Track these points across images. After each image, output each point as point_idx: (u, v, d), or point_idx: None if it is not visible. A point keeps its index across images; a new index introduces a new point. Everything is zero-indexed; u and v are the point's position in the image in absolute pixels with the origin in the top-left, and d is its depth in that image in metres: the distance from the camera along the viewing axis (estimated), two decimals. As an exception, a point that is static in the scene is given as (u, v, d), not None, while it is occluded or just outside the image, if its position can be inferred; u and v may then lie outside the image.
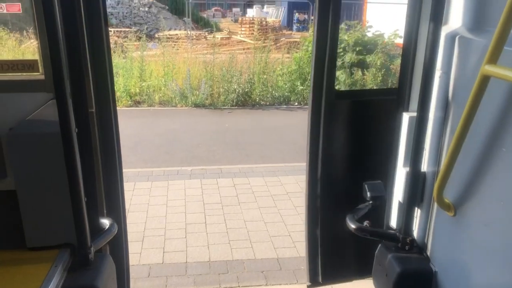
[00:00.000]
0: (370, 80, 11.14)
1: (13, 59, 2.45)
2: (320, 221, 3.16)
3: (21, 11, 2.80)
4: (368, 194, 2.79)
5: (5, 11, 2.85)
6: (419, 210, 2.52)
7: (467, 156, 1.97)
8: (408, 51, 2.55)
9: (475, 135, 1.90)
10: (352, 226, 2.65)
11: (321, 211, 3.14)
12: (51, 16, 1.89)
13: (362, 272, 3.20)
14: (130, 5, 24.84)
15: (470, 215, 2.03)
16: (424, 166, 2.44)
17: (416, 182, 2.45)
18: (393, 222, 2.77)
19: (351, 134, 3.06)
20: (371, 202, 2.79)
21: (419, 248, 2.54)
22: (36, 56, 2.46)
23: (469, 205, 2.02)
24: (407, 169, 2.49)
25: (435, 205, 2.30)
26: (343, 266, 3.32)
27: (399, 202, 2.67)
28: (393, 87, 10.72)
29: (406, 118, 2.57)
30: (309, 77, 11.34)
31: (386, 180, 2.75)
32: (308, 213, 3.20)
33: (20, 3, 2.80)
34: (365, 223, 2.79)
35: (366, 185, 2.82)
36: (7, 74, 2.45)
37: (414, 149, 2.41)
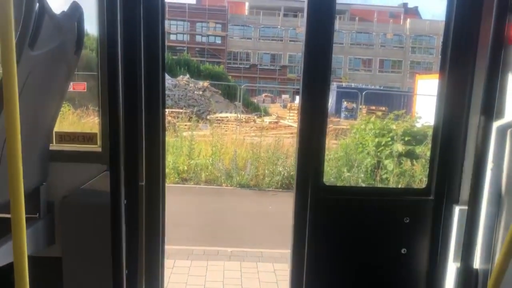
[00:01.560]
0: (419, 171, 10.93)
1: (75, 131, 2.63)
2: None
3: (85, 90, 3.04)
4: None
5: (71, 89, 3.11)
6: (472, 311, 2.34)
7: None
8: (457, 142, 2.51)
9: (532, 232, 1.80)
10: None
11: None
12: (115, 95, 2.04)
13: None
14: (185, 88, 26.30)
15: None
16: (476, 263, 2.31)
17: (468, 279, 2.30)
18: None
19: (340, 236, 2.65)
20: None
21: None
22: (96, 130, 2.63)
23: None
24: (458, 264, 2.35)
25: (490, 306, 2.13)
26: None
27: (450, 301, 2.49)
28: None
29: (456, 211, 2.49)
30: (356, 164, 11.31)
31: (433, 274, 2.60)
32: None
33: (86, 83, 3.05)
34: None
35: None
36: (68, 144, 2.62)
37: (465, 244, 2.29)
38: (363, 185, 10.94)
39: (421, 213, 2.58)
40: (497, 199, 2.18)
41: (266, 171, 11.53)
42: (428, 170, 2.65)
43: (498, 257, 1.90)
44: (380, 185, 10.75)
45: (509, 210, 2.08)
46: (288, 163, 11.64)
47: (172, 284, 5.42)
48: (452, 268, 2.46)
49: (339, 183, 11.58)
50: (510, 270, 1.87)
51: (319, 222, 2.58)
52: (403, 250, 2.60)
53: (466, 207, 2.33)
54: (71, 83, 3.05)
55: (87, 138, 2.61)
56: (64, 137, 2.61)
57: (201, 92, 26.49)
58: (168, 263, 5.89)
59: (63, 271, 2.28)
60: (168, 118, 17.69)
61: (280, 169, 11.38)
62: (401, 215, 2.58)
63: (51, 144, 2.52)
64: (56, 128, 2.58)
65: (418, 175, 10.84)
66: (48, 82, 2.23)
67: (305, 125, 2.54)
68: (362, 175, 11.33)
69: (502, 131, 2.14)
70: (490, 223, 2.24)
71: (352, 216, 2.61)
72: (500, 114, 2.24)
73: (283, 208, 9.59)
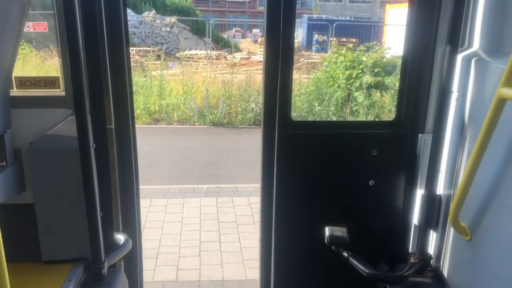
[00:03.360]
0: (388, 101, 11.10)
1: (36, 76, 2.53)
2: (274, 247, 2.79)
3: (47, 30, 2.89)
4: (328, 239, 2.56)
5: (31, 30, 2.95)
6: (434, 233, 2.48)
7: (483, 179, 1.95)
8: (412, 77, 2.52)
9: (491, 158, 1.88)
10: (367, 271, 2.39)
11: (275, 249, 2.78)
12: (73, 35, 1.95)
13: None
14: (152, 25, 25.35)
15: (486, 239, 1.99)
16: (440, 189, 2.41)
17: (432, 204, 2.42)
18: (409, 245, 2.73)
19: (309, 170, 2.65)
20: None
21: (435, 271, 2.49)
22: (58, 73, 2.53)
23: (485, 229, 1.99)
24: (423, 191, 2.46)
25: (451, 228, 2.26)
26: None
27: (415, 225, 2.63)
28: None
29: (422, 140, 2.56)
30: (326, 98, 11.39)
31: (402, 202, 2.72)
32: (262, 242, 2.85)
33: (46, 22, 2.89)
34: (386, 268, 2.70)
35: (327, 229, 2.59)
36: (29, 90, 2.53)
37: (429, 171, 2.38)
38: (334, 118, 11.11)
39: (389, 145, 2.62)
40: (461, 128, 2.25)
41: (239, 109, 11.53)
42: (397, 101, 2.66)
43: (460, 182, 1.99)
44: (350, 117, 10.93)
45: (472, 137, 2.15)
46: (261, 100, 11.62)
47: (150, 222, 5.53)
48: (417, 195, 2.57)
49: (310, 117, 11.71)
50: (470, 195, 1.98)
51: (287, 157, 2.58)
52: (371, 182, 2.66)
53: (431, 136, 2.41)
54: (31, 24, 2.89)
55: (49, 82, 2.51)
56: (25, 82, 2.51)
57: (168, 29, 25.61)
58: (144, 202, 5.99)
59: (37, 217, 2.29)
60: (135, 57, 17.17)
61: (253, 106, 11.40)
62: (369, 148, 2.60)
63: (11, 90, 2.43)
64: (19, 73, 2.47)
65: (387, 105, 11.04)
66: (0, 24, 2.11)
67: (270, 58, 2.46)
68: (333, 108, 11.47)
69: (467, 61, 2.17)
70: (454, 150, 2.31)
71: (320, 150, 2.62)
72: (465, 44, 2.26)
73: (256, 144, 9.70)
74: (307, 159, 2.62)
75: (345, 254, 2.48)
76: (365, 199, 2.70)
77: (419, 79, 2.53)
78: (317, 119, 10.99)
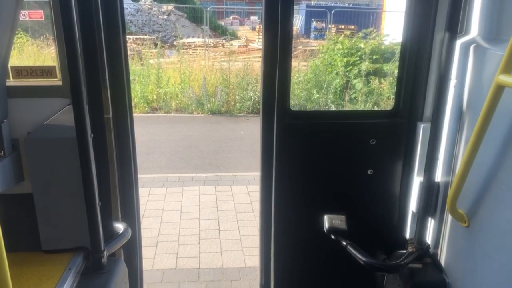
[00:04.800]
0: (387, 89, 11.08)
1: (32, 65, 2.51)
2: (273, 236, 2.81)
3: (43, 19, 2.86)
4: (327, 227, 2.59)
5: (27, 19, 2.92)
6: (432, 220, 2.50)
7: (481, 166, 1.95)
8: (421, 60, 2.52)
9: (489, 145, 1.88)
10: (364, 259, 2.42)
11: (275, 238, 2.81)
12: (69, 23, 1.93)
13: None
14: (149, 13, 25.16)
15: (483, 226, 2.00)
16: (438, 176, 2.42)
17: (430, 192, 2.43)
18: (407, 232, 2.74)
19: (308, 160, 2.66)
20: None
21: (433, 258, 2.51)
22: (55, 62, 2.52)
23: (483, 215, 2.00)
24: (421, 179, 2.47)
25: (449, 215, 2.27)
26: (298, 276, 2.99)
27: (413, 212, 2.64)
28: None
29: (420, 128, 2.56)
30: (325, 85, 11.36)
31: (399, 190, 2.73)
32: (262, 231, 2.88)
33: (42, 11, 2.86)
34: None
35: (326, 218, 2.62)
36: (26, 79, 2.51)
37: (428, 159, 2.39)
38: (333, 106, 11.10)
39: (387, 134, 2.62)
40: (459, 115, 2.24)
41: (237, 97, 11.49)
42: (396, 89, 2.66)
43: (458, 170, 1.99)
44: (349, 105, 10.91)
45: (470, 125, 2.15)
46: (259, 88, 11.59)
47: (149, 211, 5.55)
48: (416, 183, 2.57)
49: (309, 105, 11.69)
50: (468, 182, 1.98)
51: (286, 146, 2.58)
52: (370, 171, 2.66)
53: (429, 124, 2.41)
54: (27, 12, 2.87)
55: (46, 71, 2.50)
56: (21, 72, 2.50)
57: (165, 17, 25.41)
58: (143, 191, 6.00)
59: (36, 207, 2.29)
60: (132, 46, 17.07)
61: (251, 94, 11.36)
62: (367, 137, 2.60)
63: (7, 80, 2.42)
64: (16, 62, 2.45)
65: (386, 93, 11.02)
66: None
67: (269, 48, 2.44)
68: (331, 96, 11.45)
69: (466, 48, 2.16)
70: (452, 138, 2.32)
71: (319, 140, 2.61)
72: (463, 31, 2.25)
73: (254, 132, 9.70)
74: (306, 149, 2.62)
75: (344, 243, 2.50)
76: (363, 188, 2.71)
77: (417, 67, 2.52)
78: (316, 108, 10.97)
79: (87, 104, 2.10)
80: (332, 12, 24.68)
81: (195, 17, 26.68)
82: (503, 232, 1.86)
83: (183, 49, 15.41)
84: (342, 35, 12.93)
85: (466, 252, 2.17)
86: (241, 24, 35.12)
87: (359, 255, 2.40)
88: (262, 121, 2.59)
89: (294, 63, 14.11)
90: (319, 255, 2.79)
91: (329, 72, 12.04)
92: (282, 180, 2.65)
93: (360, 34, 12.44)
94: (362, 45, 11.63)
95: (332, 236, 2.57)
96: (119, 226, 2.52)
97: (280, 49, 2.42)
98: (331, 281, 2.92)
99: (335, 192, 2.72)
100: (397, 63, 11.33)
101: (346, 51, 11.96)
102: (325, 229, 2.62)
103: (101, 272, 2.27)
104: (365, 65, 11.23)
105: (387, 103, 10.59)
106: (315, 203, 2.71)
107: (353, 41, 12.14)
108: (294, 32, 25.64)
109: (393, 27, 13.07)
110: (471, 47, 2.12)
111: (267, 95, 2.52)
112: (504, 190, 1.84)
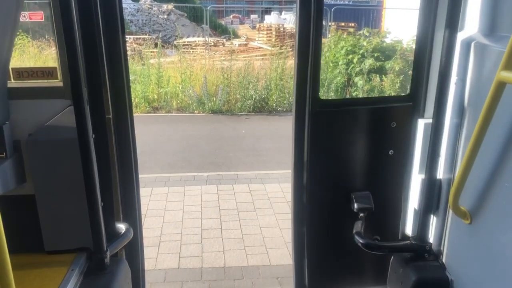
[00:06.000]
0: (388, 86, 11.06)
1: (33, 67, 2.51)
2: (307, 230, 2.98)
3: (43, 20, 2.86)
4: (355, 205, 2.75)
5: (28, 20, 2.92)
6: (434, 218, 2.49)
7: (483, 163, 1.95)
8: (422, 57, 2.54)
9: (490, 142, 1.88)
10: (361, 241, 2.58)
11: (308, 222, 2.96)
12: (69, 25, 1.93)
13: (353, 281, 3.12)
14: (149, 13, 25.15)
15: (486, 223, 2.00)
16: (440, 173, 2.42)
17: (432, 189, 2.43)
18: (409, 229, 2.74)
19: (336, 144, 2.86)
20: (362, 214, 2.75)
21: (435, 255, 2.51)
22: (56, 64, 2.52)
23: (485, 212, 2.00)
24: (423, 176, 2.47)
25: (451, 212, 2.27)
26: (332, 275, 3.16)
27: (415, 210, 2.64)
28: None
29: (421, 125, 2.56)
30: (326, 83, 11.35)
31: (400, 187, 2.73)
32: (294, 224, 3.03)
33: (42, 12, 2.86)
34: (375, 237, 2.80)
35: (353, 196, 2.79)
36: (27, 81, 2.52)
37: (429, 156, 2.39)
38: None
39: (405, 116, 2.76)
40: (460, 112, 2.24)
41: (238, 96, 11.49)
42: (412, 75, 2.80)
43: (460, 166, 1.99)
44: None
45: (471, 121, 2.15)
46: (260, 87, 11.60)
47: (151, 211, 5.55)
48: (417, 179, 2.58)
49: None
50: (470, 179, 1.98)
51: (317, 132, 2.77)
52: (391, 152, 2.81)
53: (430, 120, 2.41)
54: (27, 13, 2.87)
55: (47, 73, 2.50)
56: (22, 73, 2.50)
57: (165, 16, 25.41)
58: (145, 191, 6.00)
59: (38, 208, 2.30)
60: (133, 45, 17.06)
61: (252, 93, 11.35)
62: (388, 120, 2.76)
63: (8, 81, 2.42)
64: (17, 63, 2.45)
65: (387, 90, 11.00)
66: None
67: (302, 42, 2.63)
68: (332, 94, 11.44)
69: (467, 45, 2.15)
70: (454, 134, 2.31)
71: (345, 125, 2.81)
72: (464, 28, 2.24)
73: (256, 131, 9.70)
74: (334, 133, 2.83)
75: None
76: (385, 167, 2.87)
77: (422, 62, 2.57)
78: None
79: (88, 105, 2.10)
80: (333, 9, 24.64)
81: (195, 16, 26.68)
82: (505, 228, 1.85)
83: (183, 48, 15.42)
84: (345, 33, 12.90)
85: (469, 249, 2.16)
86: (241, 22, 35.12)
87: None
88: (296, 110, 2.77)
89: (293, 61, 14.09)
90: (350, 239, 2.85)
91: (330, 70, 12.02)
92: (313, 163, 2.83)
93: (365, 32, 12.40)
94: (364, 43, 11.61)
95: (361, 214, 2.75)
96: (121, 226, 2.52)
97: (312, 45, 2.61)
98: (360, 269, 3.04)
99: (360, 172, 2.89)
100: (398, 61, 11.32)
101: (349, 49, 11.94)
102: (353, 208, 2.77)
103: (104, 272, 2.28)
104: (368, 63, 11.21)
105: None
106: (344, 184, 2.89)
107: (357, 38, 12.13)
108: (294, 31, 25.68)
109: (394, 24, 13.03)
110: (472, 44, 2.12)
111: (300, 86, 2.71)
112: (507, 187, 1.84)
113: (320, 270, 3.05)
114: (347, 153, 2.86)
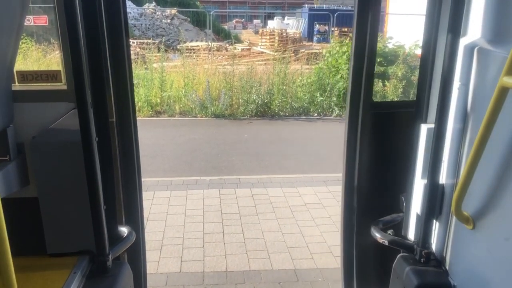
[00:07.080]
0: (391, 91, 11.07)
1: (37, 70, 2.53)
2: (356, 233, 3.06)
3: (47, 24, 2.88)
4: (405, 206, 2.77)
5: (32, 24, 2.94)
6: (437, 223, 2.49)
7: (486, 168, 1.94)
8: (427, 62, 2.54)
9: (493, 147, 1.88)
10: (376, 234, 2.65)
11: (357, 223, 3.06)
12: (74, 28, 1.94)
13: None
14: (152, 17, 25.26)
15: (489, 229, 1.99)
16: (443, 178, 2.41)
17: (434, 194, 2.42)
18: (411, 234, 2.73)
19: (387, 145, 2.99)
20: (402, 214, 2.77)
21: (438, 261, 2.50)
22: (60, 67, 2.54)
23: (488, 218, 1.99)
24: (425, 181, 2.46)
25: (454, 218, 2.26)
26: (382, 282, 3.13)
27: (417, 215, 2.64)
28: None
29: (424, 130, 2.56)
30: (328, 88, 11.36)
31: (404, 192, 2.73)
32: (344, 225, 3.12)
33: (47, 16, 2.88)
34: (389, 231, 2.79)
35: (402, 197, 2.80)
36: (31, 84, 2.53)
37: (432, 161, 2.38)
38: (337, 110, 11.12)
39: None
40: (463, 117, 2.24)
41: (241, 100, 11.51)
42: (417, 80, 2.84)
43: (462, 171, 1.99)
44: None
45: (474, 126, 2.14)
46: (262, 91, 11.62)
47: (154, 214, 5.56)
48: (420, 184, 2.57)
49: (312, 108, 11.68)
50: (473, 184, 1.98)
51: (368, 132, 2.88)
52: None
53: (433, 125, 2.40)
54: (31, 17, 2.89)
55: (51, 76, 2.51)
56: (27, 76, 2.51)
57: (169, 21, 25.51)
58: (148, 195, 6.01)
59: (41, 211, 2.30)
60: (136, 50, 17.13)
61: (254, 97, 11.37)
62: None
63: (13, 84, 2.44)
64: (21, 66, 2.47)
65: (390, 95, 11.01)
66: (0, 18, 2.10)
67: (358, 46, 2.74)
68: (335, 99, 11.46)
69: (469, 50, 2.15)
70: (456, 139, 2.31)
71: (392, 125, 2.96)
72: (467, 33, 2.24)
73: (258, 135, 9.71)
74: (383, 134, 2.95)
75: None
76: None
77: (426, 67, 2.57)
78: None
79: (92, 108, 2.11)
80: (335, 15, 24.71)
81: (198, 21, 26.80)
82: (509, 234, 1.85)
83: (186, 53, 15.46)
84: (348, 38, 12.92)
85: (472, 255, 2.16)
86: (244, 27, 35.26)
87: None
88: (349, 111, 2.88)
89: (297, 66, 14.13)
90: None
91: (333, 75, 12.04)
92: (364, 162, 2.94)
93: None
94: (366, 48, 11.63)
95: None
96: (124, 230, 2.52)
97: (368, 49, 2.72)
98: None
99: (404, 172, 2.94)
100: (400, 66, 11.32)
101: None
102: (403, 209, 2.79)
103: (106, 275, 2.28)
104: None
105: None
106: (394, 186, 2.93)
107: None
108: (297, 36, 25.71)
109: (396, 30, 13.04)
110: (475, 49, 2.12)
111: (354, 88, 2.82)
112: (510, 192, 1.83)
113: (369, 276, 3.09)
114: (396, 154, 2.92)
